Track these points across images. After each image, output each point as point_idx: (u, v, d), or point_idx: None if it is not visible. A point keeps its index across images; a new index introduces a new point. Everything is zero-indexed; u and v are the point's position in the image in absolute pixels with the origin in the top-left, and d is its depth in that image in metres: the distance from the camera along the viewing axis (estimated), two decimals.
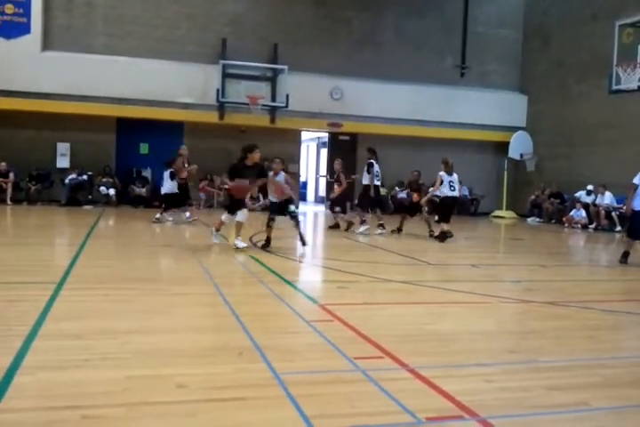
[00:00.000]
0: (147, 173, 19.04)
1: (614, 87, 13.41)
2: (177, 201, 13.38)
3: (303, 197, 24.86)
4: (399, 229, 12.90)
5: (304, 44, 19.73)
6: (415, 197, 12.94)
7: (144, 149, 19.40)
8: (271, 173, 9.65)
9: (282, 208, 9.71)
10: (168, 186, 13.16)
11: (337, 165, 13.54)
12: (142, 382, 3.25)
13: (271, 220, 9.58)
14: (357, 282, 6.86)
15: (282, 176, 9.69)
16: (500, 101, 21.65)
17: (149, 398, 3.03)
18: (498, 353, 4.22)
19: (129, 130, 18.85)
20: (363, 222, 12.64)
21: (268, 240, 9.50)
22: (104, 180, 18.19)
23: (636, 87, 12.87)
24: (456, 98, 21.14)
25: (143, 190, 18.36)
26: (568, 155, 19.59)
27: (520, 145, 20.92)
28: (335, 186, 13.71)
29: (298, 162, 20.79)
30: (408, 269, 8.25)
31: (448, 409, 3.02)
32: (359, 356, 3.81)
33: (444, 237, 11.52)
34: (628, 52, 13.10)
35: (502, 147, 21.20)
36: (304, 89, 19.14)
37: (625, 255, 9.31)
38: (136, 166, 19.01)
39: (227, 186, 9.12)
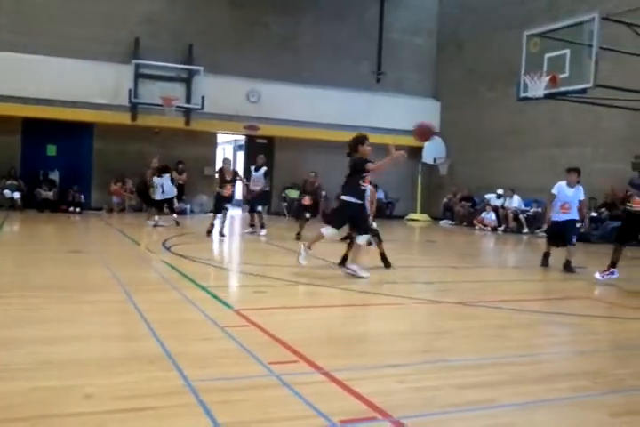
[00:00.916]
0: (54, 175, 18.39)
1: (522, 95, 13.90)
2: (164, 205, 14.23)
3: None
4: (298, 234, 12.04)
5: (220, 45, 19.51)
6: (306, 200, 12.36)
7: (51, 150, 18.67)
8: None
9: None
10: (168, 190, 14.05)
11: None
12: (48, 394, 3.11)
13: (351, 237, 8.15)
14: (274, 286, 6.82)
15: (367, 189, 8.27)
16: (414, 107, 22.04)
17: (55, 410, 2.91)
18: (411, 354, 4.29)
19: (35, 131, 18.09)
20: (262, 226, 12.92)
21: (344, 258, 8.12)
22: (8, 183, 17.39)
23: (542, 95, 13.39)
24: (372, 103, 21.42)
25: (50, 194, 17.65)
26: (479, 160, 20.26)
27: (433, 150, 21.46)
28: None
29: (213, 165, 20.53)
30: (324, 272, 8.27)
31: (362, 411, 3.04)
32: (274, 361, 3.78)
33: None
34: (535, 62, 13.64)
35: (416, 151, 21.63)
36: (220, 91, 18.92)
37: (545, 256, 9.48)
38: (43, 169, 18.33)
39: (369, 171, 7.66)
